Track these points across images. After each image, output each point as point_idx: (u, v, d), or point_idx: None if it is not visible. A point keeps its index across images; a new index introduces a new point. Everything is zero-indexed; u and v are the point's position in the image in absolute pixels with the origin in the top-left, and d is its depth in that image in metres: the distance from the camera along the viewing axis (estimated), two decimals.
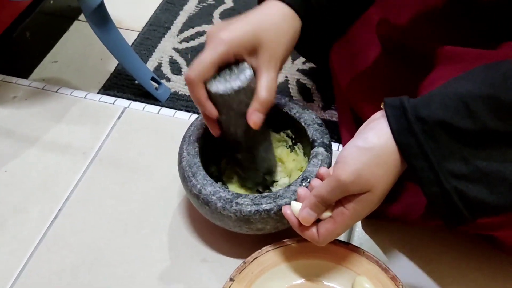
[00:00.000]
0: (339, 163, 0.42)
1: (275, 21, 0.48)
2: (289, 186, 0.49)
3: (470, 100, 0.37)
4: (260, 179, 0.56)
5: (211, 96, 0.47)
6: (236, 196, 0.48)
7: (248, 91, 0.47)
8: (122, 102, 0.74)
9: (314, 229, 0.45)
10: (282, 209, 0.46)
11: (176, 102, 0.76)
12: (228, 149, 0.55)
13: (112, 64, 0.82)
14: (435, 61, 0.48)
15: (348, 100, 0.61)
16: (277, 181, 0.58)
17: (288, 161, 0.59)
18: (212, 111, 0.48)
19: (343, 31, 0.60)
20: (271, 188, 0.57)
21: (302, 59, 0.81)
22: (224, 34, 0.46)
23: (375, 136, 0.41)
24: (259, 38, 0.47)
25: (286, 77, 0.79)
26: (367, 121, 0.44)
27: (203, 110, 0.49)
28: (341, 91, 0.65)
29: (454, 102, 0.38)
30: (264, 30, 0.47)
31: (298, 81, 0.78)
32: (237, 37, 0.46)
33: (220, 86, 0.46)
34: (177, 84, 0.79)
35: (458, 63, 0.46)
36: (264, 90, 0.47)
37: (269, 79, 0.47)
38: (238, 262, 0.51)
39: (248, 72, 0.47)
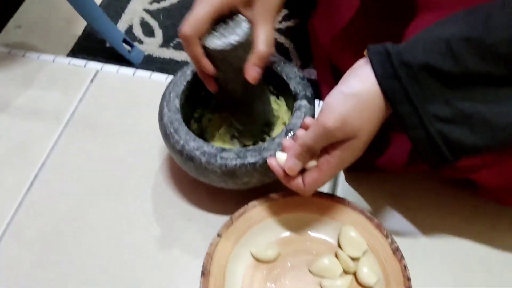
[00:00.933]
0: (324, 110, 0.42)
1: None
2: (273, 138, 0.49)
3: (453, 43, 0.38)
4: (259, 131, 0.55)
5: (208, 52, 0.46)
6: (220, 150, 0.48)
7: (246, 46, 0.46)
8: (94, 65, 0.71)
9: (299, 179, 0.45)
10: (268, 160, 0.46)
11: (151, 65, 0.74)
12: (225, 104, 0.54)
13: (79, 27, 0.78)
14: (414, 11, 0.48)
15: (328, 55, 0.61)
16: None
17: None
18: (209, 67, 0.47)
19: None
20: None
21: (278, 18, 0.79)
22: None
23: (360, 82, 0.41)
24: None
25: None
26: (350, 68, 0.43)
27: (199, 67, 0.47)
28: (320, 47, 0.64)
29: (437, 45, 0.38)
30: None
31: (275, 40, 0.77)
32: None
33: (217, 41, 0.45)
34: (151, 47, 0.76)
35: (438, 11, 0.46)
36: (263, 43, 0.46)
37: (267, 32, 0.46)
38: (224, 219, 0.51)
39: (245, 26, 0.46)
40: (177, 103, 0.51)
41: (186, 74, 0.54)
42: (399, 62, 0.39)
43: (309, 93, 0.52)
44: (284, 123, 0.56)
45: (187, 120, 0.55)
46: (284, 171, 0.45)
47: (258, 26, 0.46)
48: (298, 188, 0.45)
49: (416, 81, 0.39)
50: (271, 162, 0.46)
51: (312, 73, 0.73)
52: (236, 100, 0.52)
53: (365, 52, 0.42)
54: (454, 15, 0.40)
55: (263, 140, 0.56)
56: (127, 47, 0.73)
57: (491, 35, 0.37)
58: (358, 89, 0.40)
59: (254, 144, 0.56)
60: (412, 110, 0.39)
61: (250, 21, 0.46)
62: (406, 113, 0.39)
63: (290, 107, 0.55)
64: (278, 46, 0.76)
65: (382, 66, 0.40)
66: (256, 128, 0.55)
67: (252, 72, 0.47)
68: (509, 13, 0.36)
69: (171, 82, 0.54)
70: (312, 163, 0.44)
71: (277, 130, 0.56)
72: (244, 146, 0.56)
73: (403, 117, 0.40)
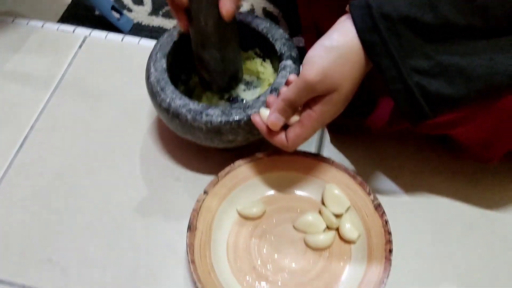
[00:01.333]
0: (305, 64, 0.42)
1: None
2: (258, 97, 0.50)
3: None
4: (225, 83, 0.55)
5: None
6: (206, 107, 0.49)
7: None
8: (83, 31, 0.71)
9: (282, 135, 0.46)
10: (252, 116, 0.47)
11: (140, 33, 0.74)
12: (195, 46, 0.52)
13: None
14: None
15: (314, 20, 0.61)
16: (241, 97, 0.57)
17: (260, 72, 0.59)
18: None
19: None
20: (234, 95, 0.57)
21: None
22: None
23: (341, 36, 0.41)
24: None
25: (252, 5, 0.77)
26: (333, 25, 0.44)
27: None
28: (307, 13, 0.64)
29: None
30: None
31: (264, 9, 0.77)
32: None
33: None
34: (140, 15, 0.76)
35: None
36: None
37: None
38: (211, 178, 0.52)
39: None
40: (163, 63, 0.52)
41: (173, 35, 0.54)
42: (379, 14, 0.39)
43: (294, 53, 0.53)
44: (270, 85, 0.57)
45: (174, 82, 0.55)
46: (268, 127, 0.46)
47: None
48: (282, 144, 0.46)
49: (395, 34, 0.39)
50: (255, 118, 0.47)
51: (301, 41, 0.73)
52: (207, 40, 0.50)
53: (347, 8, 0.42)
54: None
55: (230, 94, 0.56)
56: (116, 15, 0.73)
57: None
58: (339, 43, 0.41)
59: (220, 97, 0.56)
60: (391, 63, 0.40)
61: None
62: (385, 66, 0.40)
63: (276, 69, 0.56)
64: (267, 14, 0.76)
65: (362, 19, 0.40)
66: (223, 79, 0.54)
67: (227, 5, 0.46)
68: None
69: (157, 43, 0.54)
70: (295, 118, 0.45)
71: (263, 91, 0.57)
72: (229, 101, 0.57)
73: (383, 71, 0.40)
